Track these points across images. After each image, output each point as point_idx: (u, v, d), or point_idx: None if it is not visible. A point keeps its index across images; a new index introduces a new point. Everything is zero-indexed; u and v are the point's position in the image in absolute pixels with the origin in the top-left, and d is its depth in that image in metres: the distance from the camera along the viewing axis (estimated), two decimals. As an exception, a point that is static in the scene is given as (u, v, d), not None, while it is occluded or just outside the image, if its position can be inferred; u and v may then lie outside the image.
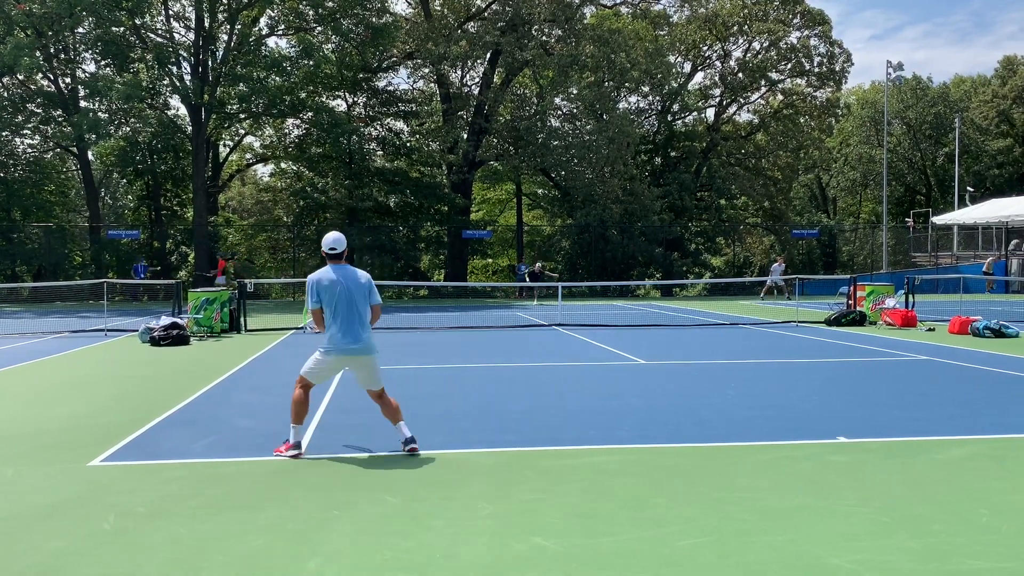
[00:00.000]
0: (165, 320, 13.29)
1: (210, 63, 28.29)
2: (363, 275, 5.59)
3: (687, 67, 40.01)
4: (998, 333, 13.18)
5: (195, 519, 4.16)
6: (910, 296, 16.69)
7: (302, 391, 5.53)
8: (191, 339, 13.42)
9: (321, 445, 5.78)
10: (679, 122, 41.10)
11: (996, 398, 7.66)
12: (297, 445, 5.48)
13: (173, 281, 19.30)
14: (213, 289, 16.04)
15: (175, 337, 12.79)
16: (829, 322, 15.99)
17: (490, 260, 41.86)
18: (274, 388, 8.44)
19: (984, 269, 30.74)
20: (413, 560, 3.60)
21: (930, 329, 14.65)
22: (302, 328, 15.02)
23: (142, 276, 27.65)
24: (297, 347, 12.55)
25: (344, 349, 5.42)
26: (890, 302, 16.18)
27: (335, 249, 5.49)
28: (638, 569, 3.49)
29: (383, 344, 13.04)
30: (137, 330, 13.95)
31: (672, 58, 38.14)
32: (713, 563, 3.55)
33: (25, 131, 30.19)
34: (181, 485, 4.80)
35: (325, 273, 5.47)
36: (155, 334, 12.81)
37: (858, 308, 16.38)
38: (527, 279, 28.29)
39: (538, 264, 30.03)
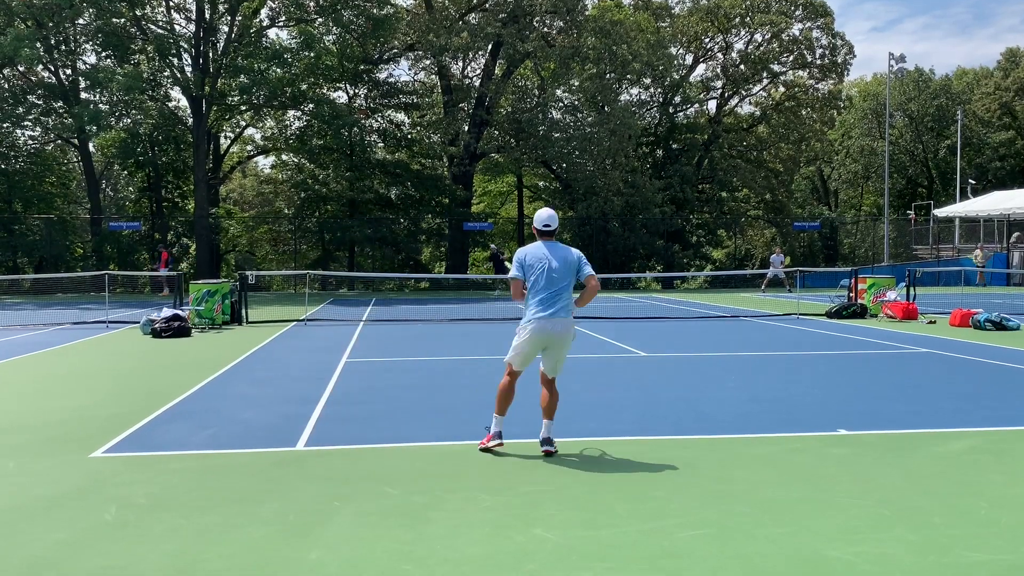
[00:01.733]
0: (167, 312, 13.32)
1: (211, 54, 28.21)
2: (574, 252, 5.37)
3: (689, 59, 39.86)
4: (999, 326, 13.17)
5: (196, 511, 4.17)
6: (911, 289, 16.68)
7: (508, 379, 5.38)
8: (192, 331, 13.44)
9: (321, 437, 5.80)
10: (681, 114, 40.95)
11: (996, 391, 7.66)
12: (498, 435, 5.37)
13: (174, 273, 19.31)
14: (214, 281, 16.05)
15: (176, 329, 12.81)
16: (830, 315, 15.98)
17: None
18: (275, 380, 8.45)
19: (977, 263, 30.49)
20: (414, 552, 3.61)
21: (931, 322, 14.63)
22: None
23: (171, 267, 27.63)
24: (299, 339, 12.56)
25: (543, 328, 5.19)
26: (891, 295, 16.16)
27: (549, 226, 5.35)
28: (638, 561, 3.50)
29: (385, 336, 13.08)
30: (138, 322, 13.97)
31: (674, 50, 37.98)
32: (712, 555, 3.56)
33: (26, 122, 30.15)
34: (182, 477, 4.82)
35: (534, 248, 5.33)
36: (156, 326, 12.83)
37: (859, 301, 16.36)
38: (497, 261, 27.31)
39: (492, 246, 29.10)
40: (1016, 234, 32.87)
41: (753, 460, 5.13)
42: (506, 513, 4.11)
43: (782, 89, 39.86)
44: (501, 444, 5.39)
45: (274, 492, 4.49)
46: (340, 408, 6.87)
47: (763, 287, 27.31)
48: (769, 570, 3.40)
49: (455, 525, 3.94)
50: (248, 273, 16.54)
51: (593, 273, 5.37)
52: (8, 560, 3.56)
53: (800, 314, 16.60)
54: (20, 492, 4.55)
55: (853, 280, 17.01)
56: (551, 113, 34.07)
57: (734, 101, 40.71)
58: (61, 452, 5.43)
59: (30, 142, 31.96)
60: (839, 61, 38.64)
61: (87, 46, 29.45)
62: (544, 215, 5.38)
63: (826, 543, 3.69)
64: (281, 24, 30.01)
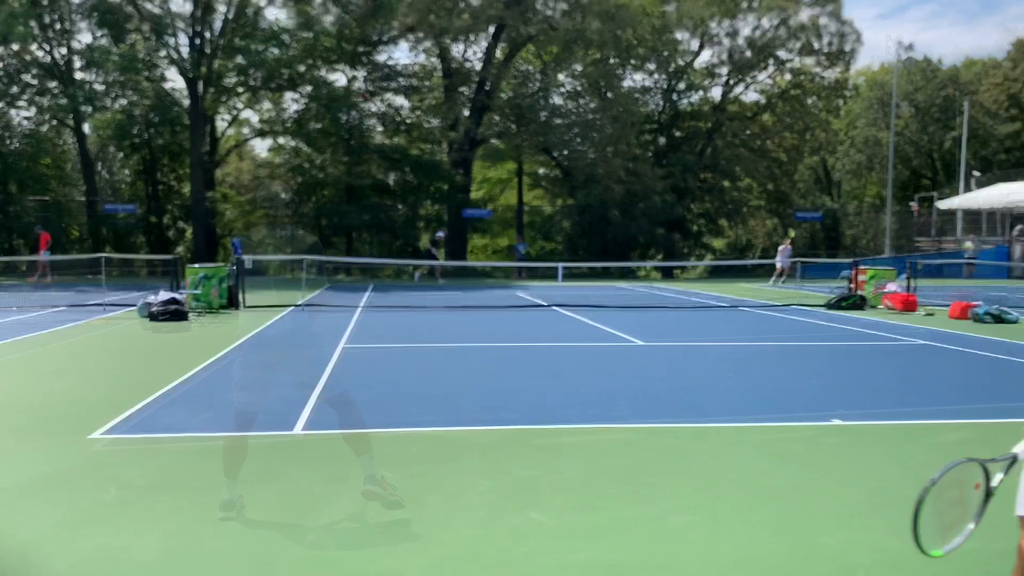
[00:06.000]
0: (163, 295, 13.29)
1: (207, 35, 27.98)
2: None
3: (694, 44, 39.49)
4: (998, 318, 13.18)
5: (195, 492, 4.19)
6: (911, 280, 16.68)
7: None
8: (189, 315, 13.43)
9: (320, 420, 5.81)
10: (684, 101, 40.67)
11: (992, 383, 7.69)
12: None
13: (171, 256, 19.27)
14: (211, 265, 16.02)
15: (173, 312, 12.79)
16: (829, 305, 15.99)
17: (490, 239, 41.79)
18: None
19: (969, 255, 30.41)
20: (411, 534, 3.64)
21: (930, 314, 14.65)
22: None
23: (239, 253, 27.47)
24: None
25: None
26: (891, 286, 16.17)
27: None
28: (631, 545, 3.52)
29: (383, 324, 13.08)
30: (135, 305, 13.96)
31: (679, 35, 37.65)
32: (705, 540, 3.58)
33: (20, 103, 29.92)
34: (181, 459, 4.84)
35: None
36: (153, 309, 12.81)
37: (859, 292, 16.37)
38: (431, 250, 26.55)
39: (439, 233, 28.43)
40: (1018, 227, 32.80)
41: (747, 448, 5.16)
42: (502, 497, 4.14)
43: (788, 77, 39.56)
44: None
45: (272, 475, 4.51)
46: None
47: (772, 280, 27.04)
48: (762, 556, 3.42)
49: (452, 508, 3.96)
50: (245, 257, 16.49)
51: None
52: (7, 540, 3.58)
53: (800, 304, 16.62)
54: (19, 472, 4.57)
55: (854, 271, 17.00)
56: (553, 98, 33.86)
57: (739, 88, 40.42)
58: (59, 433, 5.44)
59: (24, 123, 31.76)
60: (847, 49, 38.31)
61: (82, 25, 29.19)
62: None
63: (818, 530, 3.72)
64: (279, 4, 29.76)
